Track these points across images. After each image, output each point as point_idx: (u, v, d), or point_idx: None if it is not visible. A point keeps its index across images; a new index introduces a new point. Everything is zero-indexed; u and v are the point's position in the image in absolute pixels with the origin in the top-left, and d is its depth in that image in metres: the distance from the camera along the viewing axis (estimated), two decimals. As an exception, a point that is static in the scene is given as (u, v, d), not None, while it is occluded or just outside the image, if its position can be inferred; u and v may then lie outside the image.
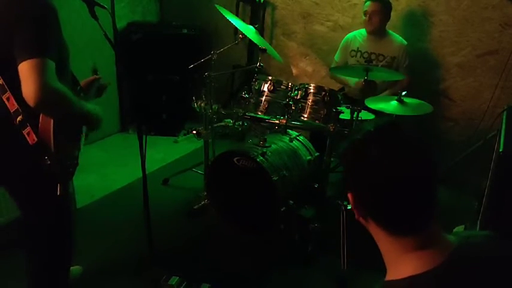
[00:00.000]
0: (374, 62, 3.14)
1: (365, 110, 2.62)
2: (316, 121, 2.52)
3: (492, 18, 3.18)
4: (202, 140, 2.83)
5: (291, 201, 2.43)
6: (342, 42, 3.37)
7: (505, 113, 2.47)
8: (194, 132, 2.79)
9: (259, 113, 2.59)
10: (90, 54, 3.27)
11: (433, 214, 0.84)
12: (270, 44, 3.43)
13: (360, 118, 2.50)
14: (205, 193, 2.78)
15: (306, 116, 2.53)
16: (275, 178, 2.32)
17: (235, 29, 3.12)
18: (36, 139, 1.39)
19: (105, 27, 1.61)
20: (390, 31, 3.25)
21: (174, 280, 2.04)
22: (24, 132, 1.39)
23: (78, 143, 1.61)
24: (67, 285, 1.86)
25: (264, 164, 2.34)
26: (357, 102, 2.51)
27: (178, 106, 4.12)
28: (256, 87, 2.63)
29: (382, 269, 0.88)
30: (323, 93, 2.51)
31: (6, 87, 1.39)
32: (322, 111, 2.51)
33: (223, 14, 2.75)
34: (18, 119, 1.39)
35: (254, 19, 3.97)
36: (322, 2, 3.76)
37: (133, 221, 2.56)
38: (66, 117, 1.43)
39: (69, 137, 1.53)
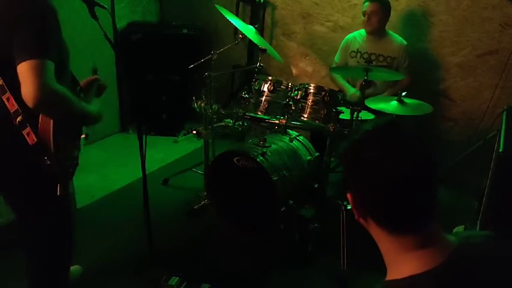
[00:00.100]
0: (374, 63, 3.13)
1: (365, 110, 2.62)
2: (316, 121, 2.52)
3: (492, 18, 3.18)
4: (202, 140, 2.84)
5: (291, 201, 2.43)
6: (342, 43, 3.37)
7: (505, 113, 2.47)
8: (194, 132, 2.79)
9: (259, 113, 2.59)
10: (90, 54, 3.27)
11: (433, 214, 0.84)
12: (270, 44, 3.43)
13: (360, 118, 2.50)
14: (205, 193, 2.79)
15: (306, 116, 2.53)
16: (275, 178, 2.32)
17: (235, 29, 3.12)
18: (35, 139, 1.38)
19: (105, 27, 1.61)
20: (390, 31, 3.25)
21: (174, 280, 2.04)
22: (24, 132, 1.39)
23: (78, 143, 1.61)
24: (67, 285, 1.85)
25: (264, 164, 2.34)
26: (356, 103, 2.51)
27: (178, 106, 4.12)
28: (256, 87, 2.63)
29: (382, 269, 0.88)
30: (323, 93, 2.51)
31: (6, 87, 1.39)
32: (322, 111, 2.51)
33: (223, 14, 2.75)
34: (18, 119, 1.39)
35: (254, 19, 3.97)
36: (322, 2, 3.77)
37: (133, 221, 2.56)
38: (66, 118, 1.43)
39: (68, 137, 1.53)
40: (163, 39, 4.04)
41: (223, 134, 3.38)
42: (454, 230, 2.44)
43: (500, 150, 1.95)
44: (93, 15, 1.59)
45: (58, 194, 1.48)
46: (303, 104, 2.55)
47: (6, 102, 1.39)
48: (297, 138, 2.79)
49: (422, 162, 0.84)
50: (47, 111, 1.35)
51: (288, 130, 2.80)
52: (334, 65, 3.42)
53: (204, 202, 2.81)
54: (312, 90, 2.55)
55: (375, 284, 0.85)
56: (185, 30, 4.06)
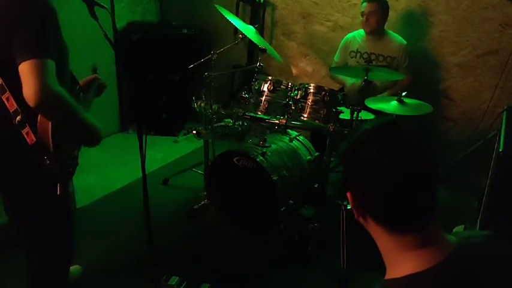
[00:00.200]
0: (374, 63, 3.13)
1: (365, 110, 2.62)
2: (316, 121, 2.52)
3: (492, 18, 3.18)
4: (202, 140, 2.84)
5: (291, 201, 2.43)
6: (342, 42, 3.37)
7: (505, 113, 2.47)
8: (194, 132, 2.79)
9: (259, 113, 2.59)
10: (90, 54, 3.26)
11: (433, 214, 0.84)
12: (270, 44, 3.43)
13: (360, 118, 2.50)
14: (205, 193, 2.78)
15: (305, 116, 2.53)
16: (275, 178, 2.32)
17: (235, 29, 3.12)
18: (35, 139, 1.38)
19: (105, 27, 1.61)
20: (389, 31, 3.24)
21: (174, 280, 2.04)
22: (23, 132, 1.39)
23: (77, 143, 1.61)
24: (67, 285, 1.85)
25: (264, 164, 2.34)
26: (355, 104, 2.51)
27: (178, 106, 4.12)
28: (256, 87, 2.63)
29: (382, 269, 0.88)
30: (323, 93, 2.51)
31: (5, 87, 1.39)
32: (322, 111, 2.51)
33: (223, 14, 2.75)
34: (17, 119, 1.38)
35: (254, 19, 3.97)
36: (322, 2, 3.77)
37: (133, 221, 2.56)
38: (64, 121, 1.42)
39: (68, 137, 1.52)
40: (163, 39, 4.03)
41: (223, 134, 3.38)
42: (454, 230, 2.44)
43: (500, 150, 1.95)
44: (93, 15, 1.59)
45: (58, 193, 1.48)
46: (303, 103, 2.55)
47: (5, 102, 1.39)
48: (297, 138, 2.79)
49: (422, 162, 0.84)
50: (47, 111, 1.35)
51: (288, 130, 2.80)
52: (333, 65, 3.42)
53: (204, 202, 2.81)
54: (311, 90, 2.55)
55: (375, 283, 0.85)
56: (185, 30, 4.06)
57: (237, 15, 3.84)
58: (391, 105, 2.50)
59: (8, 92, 1.38)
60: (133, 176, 3.16)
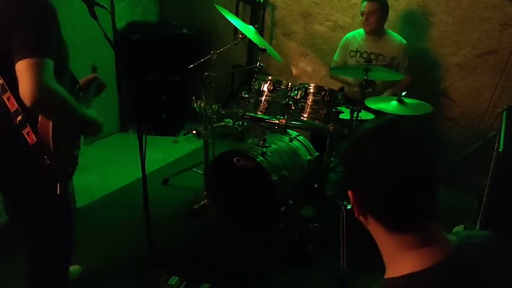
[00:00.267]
0: (374, 62, 3.13)
1: (365, 110, 2.62)
2: (316, 121, 2.52)
3: (492, 18, 3.18)
4: (202, 140, 2.83)
5: (291, 201, 2.43)
6: (341, 42, 3.37)
7: (505, 112, 2.47)
8: (194, 132, 2.79)
9: (259, 113, 2.59)
10: (89, 54, 3.26)
11: (433, 213, 0.84)
12: (269, 44, 3.43)
13: (359, 118, 2.50)
14: (205, 193, 2.78)
15: (305, 116, 2.53)
16: (275, 178, 2.32)
17: (235, 29, 3.12)
18: (35, 139, 1.38)
19: (105, 27, 1.61)
20: (389, 30, 3.24)
21: (174, 280, 2.04)
22: (24, 132, 1.39)
23: (78, 143, 1.61)
24: (66, 285, 1.85)
25: (264, 164, 2.34)
26: (356, 103, 2.51)
27: (178, 106, 4.12)
28: (256, 87, 2.63)
29: (382, 269, 0.88)
30: (323, 93, 2.51)
31: (6, 87, 1.38)
32: (322, 111, 2.51)
33: (223, 14, 2.75)
34: (18, 118, 1.38)
35: (254, 19, 3.97)
36: (322, 2, 3.77)
37: (133, 221, 2.56)
38: (63, 120, 1.42)
39: (68, 136, 1.52)
40: (163, 39, 4.04)
41: (223, 134, 3.38)
42: (454, 230, 2.44)
43: (500, 150, 1.95)
44: (93, 15, 1.59)
45: (58, 193, 1.48)
46: (303, 103, 2.55)
47: (6, 102, 1.39)
48: (297, 138, 2.79)
49: (423, 162, 0.84)
50: (44, 110, 1.34)
51: (288, 130, 2.80)
52: (333, 64, 3.42)
53: (204, 202, 2.81)
54: (311, 90, 2.55)
55: (375, 283, 0.85)
56: (185, 30, 4.06)
57: (237, 15, 3.84)
58: (391, 105, 2.50)
59: (8, 91, 1.38)
60: (133, 176, 3.16)
